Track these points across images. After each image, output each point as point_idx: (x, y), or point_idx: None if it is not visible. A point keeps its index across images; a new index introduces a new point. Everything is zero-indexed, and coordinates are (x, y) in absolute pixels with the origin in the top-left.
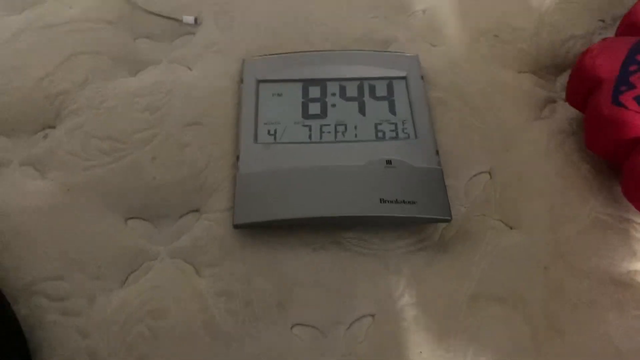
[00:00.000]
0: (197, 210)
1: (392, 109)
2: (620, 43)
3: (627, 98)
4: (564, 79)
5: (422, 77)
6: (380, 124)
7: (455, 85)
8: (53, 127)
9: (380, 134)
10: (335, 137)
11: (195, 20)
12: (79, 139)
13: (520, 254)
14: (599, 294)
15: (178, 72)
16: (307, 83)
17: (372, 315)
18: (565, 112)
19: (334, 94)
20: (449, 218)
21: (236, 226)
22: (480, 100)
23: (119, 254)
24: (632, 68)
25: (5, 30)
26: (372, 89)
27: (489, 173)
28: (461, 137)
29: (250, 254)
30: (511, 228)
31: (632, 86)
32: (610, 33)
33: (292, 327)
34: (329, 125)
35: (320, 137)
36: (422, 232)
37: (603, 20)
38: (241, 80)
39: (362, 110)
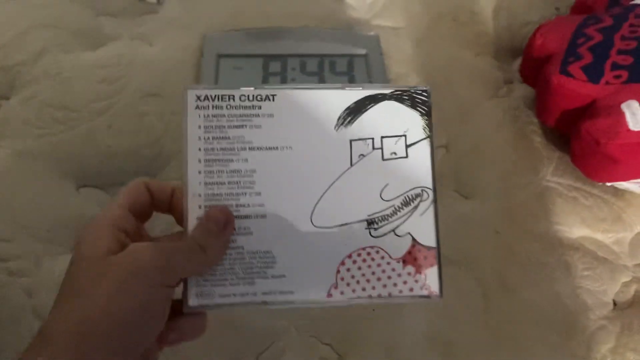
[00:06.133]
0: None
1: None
2: (569, 20)
3: (574, 68)
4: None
5: (381, 54)
6: None
7: (414, 62)
8: (7, 98)
9: None
10: None
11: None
12: (33, 109)
13: (473, 220)
14: (548, 256)
15: (139, 47)
16: (267, 58)
17: None
18: (521, 91)
19: (294, 69)
20: None
21: None
22: (439, 77)
23: (69, 221)
24: (580, 41)
25: None
26: (333, 65)
27: (446, 147)
28: None
29: None
30: (466, 198)
31: (579, 57)
32: None
33: None
34: None
35: None
36: None
37: (558, 8)
38: (202, 55)
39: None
